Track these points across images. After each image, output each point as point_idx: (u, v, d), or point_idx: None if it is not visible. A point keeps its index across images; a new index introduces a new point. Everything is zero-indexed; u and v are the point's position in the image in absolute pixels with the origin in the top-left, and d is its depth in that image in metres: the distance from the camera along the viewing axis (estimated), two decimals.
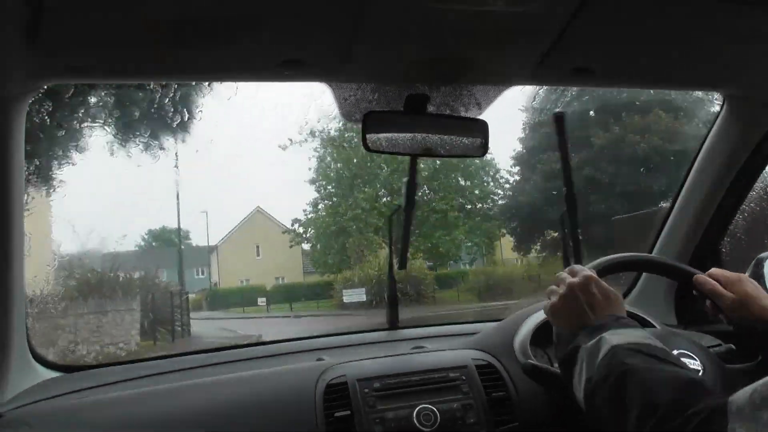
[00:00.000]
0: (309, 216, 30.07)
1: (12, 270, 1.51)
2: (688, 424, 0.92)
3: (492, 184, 30.11)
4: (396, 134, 1.63)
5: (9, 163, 1.42)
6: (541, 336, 1.77)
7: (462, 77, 1.56)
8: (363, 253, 26.07)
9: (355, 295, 22.87)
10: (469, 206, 29.63)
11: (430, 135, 1.67)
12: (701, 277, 1.54)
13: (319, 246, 29.72)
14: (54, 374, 1.85)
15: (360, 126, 1.58)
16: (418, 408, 1.59)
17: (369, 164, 27.67)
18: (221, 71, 1.54)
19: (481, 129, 1.69)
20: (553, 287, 1.39)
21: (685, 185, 2.11)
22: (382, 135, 1.61)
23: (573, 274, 1.38)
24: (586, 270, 1.38)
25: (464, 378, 1.70)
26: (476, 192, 30.10)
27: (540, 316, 1.82)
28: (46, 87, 1.48)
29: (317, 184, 29.83)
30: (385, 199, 28.16)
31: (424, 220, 26.95)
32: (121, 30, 1.24)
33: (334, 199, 29.44)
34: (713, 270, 1.54)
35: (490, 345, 1.84)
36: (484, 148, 1.69)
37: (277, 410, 1.60)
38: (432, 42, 1.40)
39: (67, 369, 1.90)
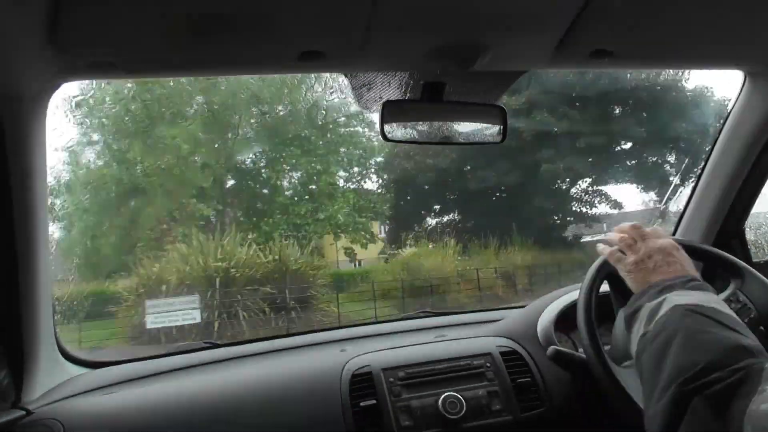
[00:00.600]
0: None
1: (38, 268, 1.53)
2: (723, 380, 0.92)
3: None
4: (413, 123, 1.63)
5: (32, 162, 1.44)
6: (565, 321, 1.76)
7: (479, 63, 1.54)
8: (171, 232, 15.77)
9: (174, 313, 12.08)
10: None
11: (447, 123, 1.66)
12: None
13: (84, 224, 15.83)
14: (82, 370, 1.87)
15: (378, 115, 1.57)
16: (443, 396, 1.60)
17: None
18: (241, 65, 1.54)
19: (499, 115, 1.67)
20: (626, 241, 1.37)
21: (708, 165, 2.08)
22: (399, 124, 1.60)
23: (657, 236, 1.36)
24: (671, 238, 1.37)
25: (489, 365, 1.70)
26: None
27: (563, 302, 1.82)
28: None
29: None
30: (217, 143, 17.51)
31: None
32: (140, 26, 1.25)
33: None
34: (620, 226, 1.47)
35: (514, 331, 1.84)
36: (503, 134, 1.68)
37: (304, 401, 1.61)
38: (448, 28, 1.39)
39: (94, 365, 1.92)
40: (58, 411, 1.58)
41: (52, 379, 1.72)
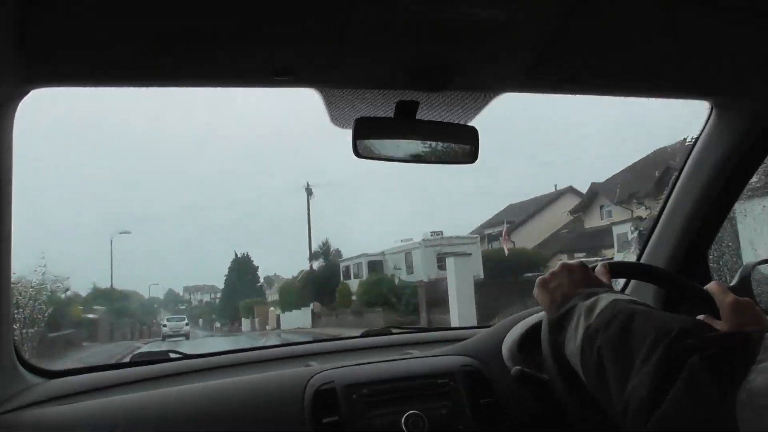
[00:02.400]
0: None
1: None
2: (717, 343, 0.89)
3: None
4: (386, 140, 1.64)
5: None
6: (529, 343, 1.77)
7: (452, 84, 1.56)
8: None
9: None
10: None
11: (420, 141, 1.67)
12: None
13: None
14: (40, 380, 1.83)
15: (350, 132, 1.58)
16: (406, 414, 1.59)
17: None
18: (213, 78, 1.54)
19: (471, 136, 1.69)
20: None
21: (673, 193, 2.12)
22: (372, 141, 1.61)
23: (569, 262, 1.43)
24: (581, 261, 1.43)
25: (453, 384, 1.70)
26: None
27: (529, 322, 1.83)
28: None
29: None
30: None
31: None
32: (111, 36, 1.24)
33: None
34: (712, 285, 1.47)
35: (479, 351, 1.85)
36: (474, 155, 1.69)
37: (266, 416, 1.60)
38: (421, 48, 1.41)
39: (53, 374, 1.89)
40: (15, 421, 1.54)
41: (8, 387, 1.68)
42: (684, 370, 0.87)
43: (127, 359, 2.18)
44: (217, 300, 67.32)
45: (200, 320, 63.99)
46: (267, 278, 61.43)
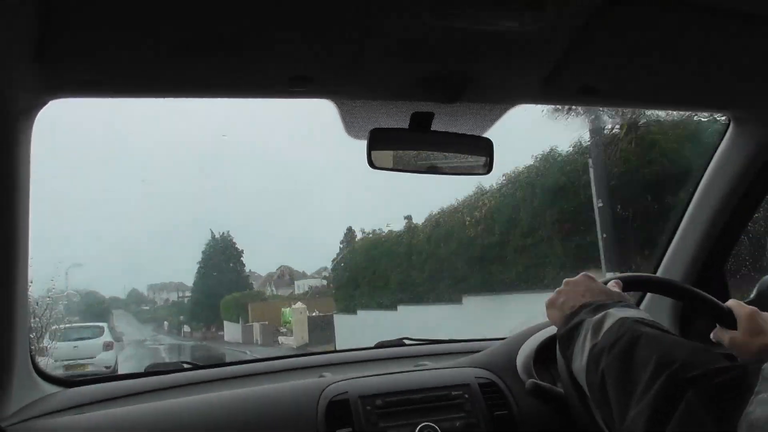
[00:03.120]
0: None
1: (16, 285, 1.51)
2: (718, 376, 0.89)
3: None
4: (400, 151, 1.64)
5: (16, 178, 1.43)
6: (544, 355, 1.76)
7: (467, 95, 1.56)
8: None
9: None
10: None
11: (434, 153, 1.68)
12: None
13: None
14: (56, 389, 1.84)
15: (365, 143, 1.58)
16: (420, 426, 1.59)
17: None
18: (230, 88, 1.55)
19: (485, 147, 1.69)
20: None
21: (690, 206, 2.10)
22: (386, 152, 1.62)
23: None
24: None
25: (467, 396, 1.69)
26: None
27: (544, 334, 1.82)
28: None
29: None
30: None
31: None
32: (129, 46, 1.25)
33: None
34: (731, 302, 1.52)
35: (493, 363, 1.84)
36: (488, 166, 1.69)
37: (279, 427, 1.60)
38: (437, 60, 1.41)
39: (69, 383, 1.90)
40: (31, 429, 1.55)
41: (26, 396, 1.69)
42: (681, 404, 0.88)
43: None
44: (186, 299, 53.52)
45: (165, 323, 55.95)
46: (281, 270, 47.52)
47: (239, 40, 1.26)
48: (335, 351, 2.40)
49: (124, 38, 1.22)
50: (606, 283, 1.44)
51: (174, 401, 1.71)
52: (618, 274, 1.54)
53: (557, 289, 1.40)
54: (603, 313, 1.19)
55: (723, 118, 1.99)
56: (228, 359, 16.47)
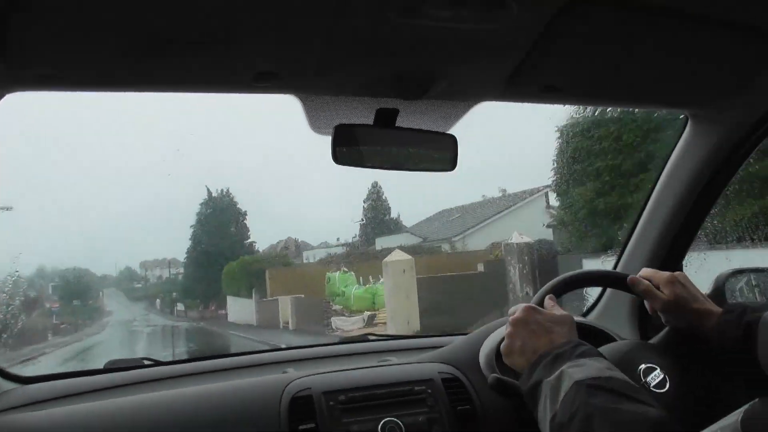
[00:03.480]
0: None
1: None
2: None
3: None
4: (365, 147, 1.64)
5: None
6: None
7: (432, 92, 1.57)
8: None
9: None
10: None
11: (399, 149, 1.68)
12: (634, 278, 1.56)
13: None
14: (12, 385, 1.81)
15: (329, 139, 1.58)
16: (383, 421, 1.59)
17: None
18: (194, 83, 1.53)
19: (450, 144, 1.70)
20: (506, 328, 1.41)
21: (650, 201, 2.14)
22: (351, 148, 1.61)
23: (515, 310, 1.40)
24: (525, 304, 1.41)
25: (430, 391, 1.70)
26: None
27: (505, 330, 1.84)
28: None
29: None
30: None
31: None
32: (90, 41, 1.23)
33: None
34: (645, 270, 1.58)
35: (456, 359, 1.85)
36: (453, 162, 1.70)
37: (242, 423, 1.59)
38: (402, 57, 1.42)
39: (26, 380, 1.86)
40: None
41: None
42: None
43: None
44: (180, 276, 46.44)
45: (157, 301, 52.02)
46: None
47: (204, 36, 1.25)
48: (299, 347, 2.39)
49: (85, 32, 1.20)
50: (541, 302, 1.45)
51: (134, 398, 1.69)
52: (545, 287, 1.56)
53: (506, 332, 1.38)
54: (559, 371, 1.19)
55: (681, 116, 2.03)
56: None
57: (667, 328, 1.55)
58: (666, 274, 1.52)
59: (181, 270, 46.94)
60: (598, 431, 1.04)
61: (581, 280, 1.80)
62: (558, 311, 1.40)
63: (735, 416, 0.96)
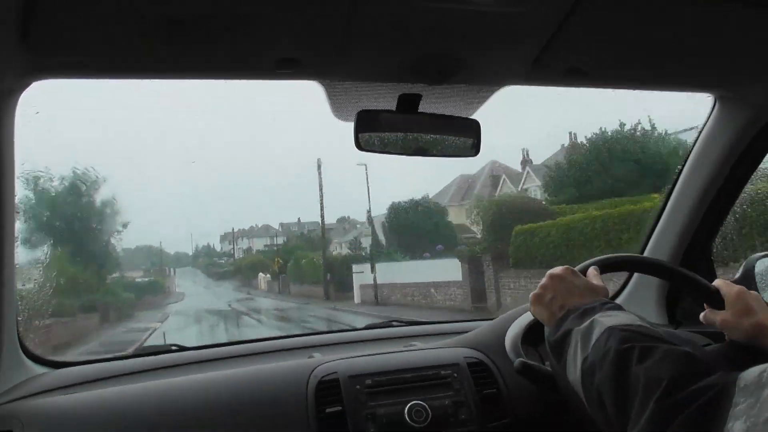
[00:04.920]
0: None
1: (2, 266, 1.51)
2: (700, 396, 0.91)
3: None
4: (388, 133, 1.64)
5: None
6: (532, 335, 1.78)
7: (455, 77, 1.56)
8: None
9: None
10: None
11: (422, 134, 1.67)
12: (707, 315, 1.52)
13: None
14: (44, 369, 1.85)
15: (352, 125, 1.58)
16: (409, 404, 1.60)
17: None
18: (216, 69, 1.54)
19: (473, 129, 1.69)
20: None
21: (677, 186, 2.12)
22: (374, 134, 1.61)
23: (555, 269, 1.41)
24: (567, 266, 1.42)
25: (456, 375, 1.71)
26: None
27: (531, 315, 1.84)
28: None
29: None
30: None
31: None
32: (114, 28, 1.24)
33: None
34: (718, 281, 1.53)
35: (482, 343, 1.85)
36: (476, 148, 1.70)
37: (269, 407, 1.61)
38: (425, 41, 1.41)
39: (57, 365, 1.90)
40: (18, 409, 1.56)
41: (13, 377, 1.70)
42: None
43: None
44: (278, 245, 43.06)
45: (261, 277, 42.53)
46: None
47: (227, 22, 1.25)
48: (326, 332, 2.41)
49: (109, 19, 1.21)
50: (585, 270, 1.45)
51: (163, 381, 1.72)
52: (593, 259, 1.54)
53: (541, 283, 1.39)
54: (590, 320, 1.19)
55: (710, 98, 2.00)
56: None
57: (727, 340, 1.52)
58: (736, 287, 1.47)
59: (278, 240, 47.02)
60: (634, 364, 1.03)
61: (632, 263, 1.78)
62: (597, 281, 1.40)
63: None
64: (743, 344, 1.44)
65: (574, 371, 1.18)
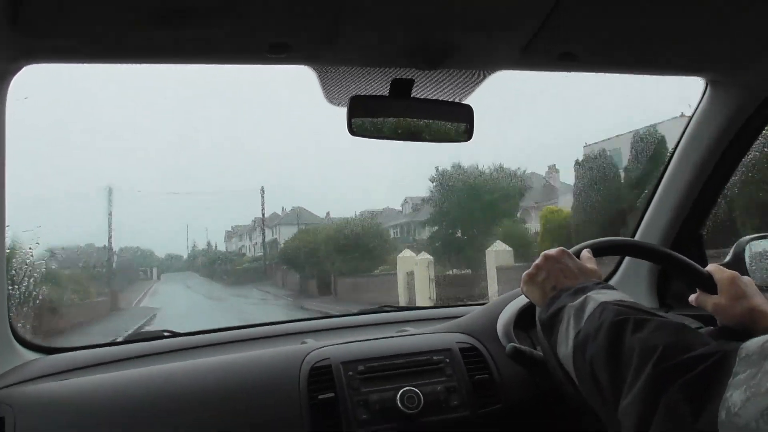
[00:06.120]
0: None
1: None
2: (699, 363, 0.90)
3: None
4: (381, 119, 1.63)
5: None
6: (524, 320, 1.79)
7: (447, 61, 1.56)
8: None
9: None
10: None
11: (415, 119, 1.67)
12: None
13: None
14: (36, 355, 1.84)
15: (345, 110, 1.58)
16: (401, 390, 1.60)
17: None
18: (208, 54, 1.53)
19: (466, 114, 1.69)
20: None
21: (668, 170, 2.12)
22: (366, 119, 1.61)
23: (549, 251, 1.42)
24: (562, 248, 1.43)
25: (448, 361, 1.71)
26: None
27: (523, 299, 1.84)
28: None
29: None
30: None
31: None
32: (104, 11, 1.23)
33: None
34: (711, 266, 1.53)
35: (474, 328, 1.86)
36: (469, 133, 1.69)
37: (262, 393, 1.61)
38: (417, 25, 1.40)
39: (49, 350, 1.90)
40: (10, 396, 1.55)
41: (4, 363, 1.69)
42: (664, 399, 0.89)
43: None
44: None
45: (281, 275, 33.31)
46: None
47: (217, 6, 1.24)
48: (318, 318, 2.41)
49: (100, 3, 1.20)
50: (578, 253, 1.45)
51: (156, 367, 1.71)
52: (587, 242, 1.55)
53: (535, 263, 1.40)
54: (583, 297, 1.20)
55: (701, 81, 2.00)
56: None
57: (719, 326, 1.52)
58: (728, 272, 1.48)
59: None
60: (627, 334, 1.04)
61: (625, 247, 1.78)
62: (591, 264, 1.41)
63: None
64: (735, 329, 1.45)
65: (565, 347, 1.19)
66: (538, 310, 1.34)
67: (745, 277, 1.48)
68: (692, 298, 1.53)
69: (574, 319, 1.17)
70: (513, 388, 1.71)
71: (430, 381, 1.66)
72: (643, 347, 0.99)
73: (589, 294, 1.20)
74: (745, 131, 1.95)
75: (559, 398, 1.53)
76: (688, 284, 1.57)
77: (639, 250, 1.77)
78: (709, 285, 1.49)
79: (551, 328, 1.25)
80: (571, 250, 1.46)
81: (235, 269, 43.94)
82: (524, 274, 1.41)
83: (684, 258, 1.60)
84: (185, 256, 61.12)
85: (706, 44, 1.65)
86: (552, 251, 1.40)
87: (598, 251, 1.51)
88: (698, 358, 0.91)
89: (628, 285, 2.23)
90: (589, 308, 1.16)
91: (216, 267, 48.70)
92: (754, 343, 0.88)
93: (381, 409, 1.58)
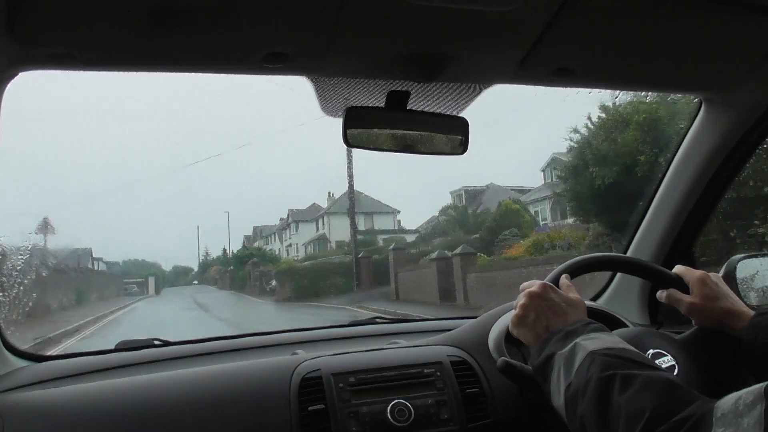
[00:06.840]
0: None
1: None
2: (681, 426, 0.93)
3: None
4: (376, 130, 1.64)
5: None
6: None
7: (443, 74, 1.56)
8: None
9: None
10: None
11: (410, 131, 1.68)
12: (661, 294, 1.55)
13: None
14: (25, 363, 1.83)
15: (341, 121, 1.58)
16: (392, 403, 1.60)
17: None
18: (204, 63, 1.53)
19: (461, 127, 1.70)
20: (518, 300, 1.41)
21: (661, 186, 2.13)
22: (362, 130, 1.61)
23: (531, 285, 1.41)
24: (541, 281, 1.42)
25: (439, 374, 1.71)
26: None
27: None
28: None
29: None
30: None
31: None
32: (101, 18, 1.23)
33: None
34: (678, 268, 1.55)
35: (465, 342, 1.86)
36: (464, 146, 1.70)
37: (252, 403, 1.60)
38: (414, 38, 1.41)
39: (38, 358, 1.88)
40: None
41: None
42: None
43: None
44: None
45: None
46: None
47: (214, 15, 1.24)
48: (309, 329, 2.40)
49: (96, 11, 1.19)
50: (557, 280, 1.45)
51: (145, 377, 1.70)
52: (562, 266, 1.55)
53: (520, 303, 1.38)
54: (572, 344, 1.19)
55: (696, 100, 2.01)
56: None
57: (696, 327, 1.53)
58: (698, 272, 1.50)
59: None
60: (616, 393, 1.04)
61: (599, 263, 1.79)
62: (573, 294, 1.40)
63: (760, 385, 0.96)
64: (712, 329, 1.48)
65: (557, 398, 1.19)
66: (531, 352, 1.33)
67: (714, 274, 1.50)
68: (662, 294, 1.54)
69: (564, 370, 1.18)
70: (503, 402, 1.70)
71: (421, 394, 1.65)
72: (629, 411, 1.01)
73: (577, 341, 1.19)
74: (739, 150, 1.97)
75: (549, 413, 1.53)
76: (660, 289, 1.58)
77: (605, 264, 1.78)
78: (680, 286, 1.52)
79: (545, 375, 1.24)
80: (548, 279, 1.46)
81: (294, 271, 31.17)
82: (513, 316, 1.39)
83: (649, 263, 1.63)
84: (196, 269, 57.05)
85: (701, 63, 1.66)
86: (534, 288, 1.38)
87: (573, 273, 1.52)
88: (681, 422, 0.94)
89: (619, 301, 2.23)
90: (578, 358, 1.16)
91: (247, 271, 38.15)
92: (726, 402, 0.91)
93: (371, 421, 1.57)
